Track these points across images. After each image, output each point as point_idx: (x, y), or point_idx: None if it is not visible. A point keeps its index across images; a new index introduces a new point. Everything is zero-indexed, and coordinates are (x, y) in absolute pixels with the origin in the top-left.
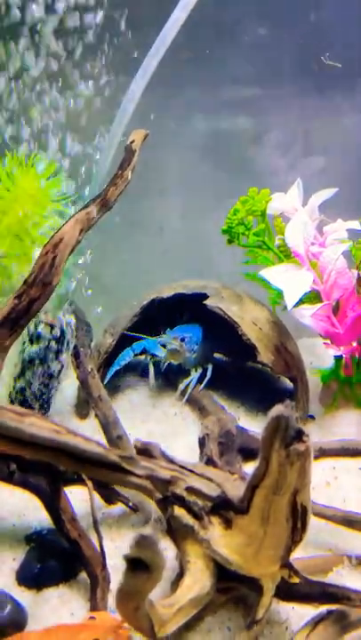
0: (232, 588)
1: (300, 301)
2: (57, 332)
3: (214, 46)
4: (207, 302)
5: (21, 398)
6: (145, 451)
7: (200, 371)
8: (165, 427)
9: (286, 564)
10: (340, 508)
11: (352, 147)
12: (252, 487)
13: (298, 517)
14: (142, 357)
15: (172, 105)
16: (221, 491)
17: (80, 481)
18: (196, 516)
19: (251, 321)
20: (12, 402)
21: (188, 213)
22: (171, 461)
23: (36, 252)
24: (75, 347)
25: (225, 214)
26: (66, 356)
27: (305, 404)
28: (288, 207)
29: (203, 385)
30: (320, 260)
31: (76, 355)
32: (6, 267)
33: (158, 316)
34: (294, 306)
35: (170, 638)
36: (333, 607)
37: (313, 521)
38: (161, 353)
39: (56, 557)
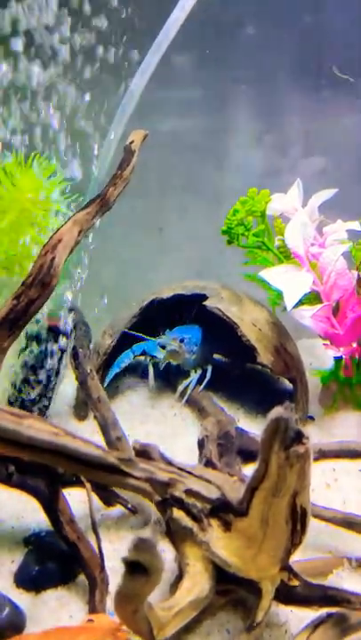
0: (231, 591)
1: (300, 302)
2: (56, 332)
3: (214, 46)
4: (207, 303)
5: (20, 400)
6: (144, 452)
7: (199, 372)
8: (164, 428)
9: (286, 567)
10: (340, 510)
11: (352, 147)
12: (252, 489)
13: (297, 519)
14: (142, 358)
15: (172, 105)
16: (221, 493)
17: (79, 483)
18: (195, 519)
19: (250, 322)
20: (10, 404)
21: (188, 214)
22: (170, 463)
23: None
24: (74, 348)
25: (224, 215)
26: (65, 358)
27: (304, 405)
28: (288, 208)
29: (202, 386)
30: (320, 261)
31: (74, 356)
32: (6, 267)
33: (157, 316)
34: (294, 307)
35: None
36: (333, 610)
37: (313, 523)
38: (160, 354)
39: (54, 559)
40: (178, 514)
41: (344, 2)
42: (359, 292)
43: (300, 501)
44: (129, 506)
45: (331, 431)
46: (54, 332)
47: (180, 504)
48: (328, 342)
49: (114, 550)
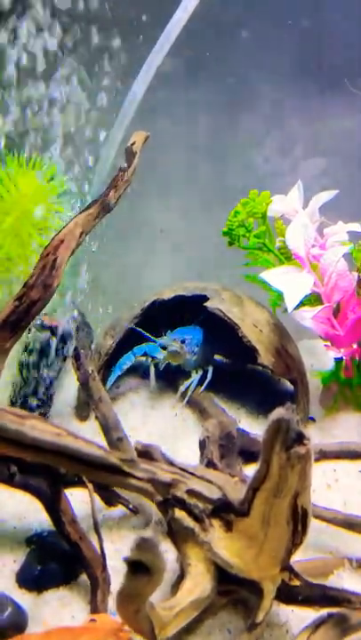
0: (232, 591)
1: (301, 303)
2: (57, 333)
3: (214, 46)
4: (208, 304)
5: (22, 400)
6: (145, 453)
7: (200, 373)
8: (166, 429)
9: (287, 567)
10: (341, 511)
11: (353, 148)
12: (253, 490)
13: (298, 520)
14: (143, 359)
15: (173, 106)
16: (222, 493)
17: (80, 483)
18: (197, 519)
19: (251, 323)
20: (12, 404)
21: (189, 215)
22: (171, 464)
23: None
24: (75, 348)
25: (225, 216)
26: (66, 358)
27: (305, 406)
28: (289, 209)
29: (203, 387)
30: (321, 263)
31: (76, 356)
32: (8, 268)
33: (159, 317)
34: (295, 308)
35: None
36: (334, 610)
37: (313, 523)
38: (161, 355)
39: (56, 559)
40: (179, 514)
41: (344, 2)
42: (360, 294)
43: (302, 502)
44: (130, 506)
45: (331, 432)
46: (56, 332)
47: (182, 504)
48: (329, 343)
49: (115, 550)
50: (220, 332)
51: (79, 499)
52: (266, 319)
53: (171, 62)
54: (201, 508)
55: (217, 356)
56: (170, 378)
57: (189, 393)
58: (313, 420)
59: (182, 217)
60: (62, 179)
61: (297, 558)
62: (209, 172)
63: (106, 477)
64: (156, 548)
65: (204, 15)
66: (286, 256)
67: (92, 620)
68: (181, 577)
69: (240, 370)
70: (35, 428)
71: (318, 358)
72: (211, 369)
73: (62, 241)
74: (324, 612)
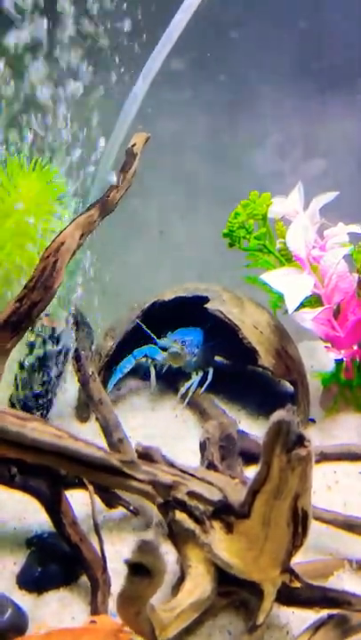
0: (233, 593)
1: (301, 305)
2: (58, 335)
3: (214, 47)
4: (208, 305)
5: (22, 402)
6: (146, 455)
7: (201, 374)
8: (166, 430)
9: (287, 569)
10: (341, 512)
11: (353, 150)
12: (254, 492)
13: (299, 522)
14: (143, 360)
15: (173, 107)
16: (222, 495)
17: (81, 484)
18: (198, 521)
19: (252, 324)
20: (13, 405)
21: (189, 217)
22: (172, 465)
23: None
24: (75, 350)
25: (226, 218)
26: (66, 360)
27: (306, 407)
28: (289, 211)
29: (203, 388)
30: (321, 264)
31: (76, 358)
32: (8, 270)
33: (159, 319)
34: (295, 309)
35: None
36: (334, 612)
37: (314, 525)
38: (162, 356)
39: (57, 561)
40: (180, 516)
41: (344, 2)
42: (360, 295)
43: (302, 504)
44: (131, 507)
45: (332, 433)
46: (56, 333)
47: (183, 506)
48: (329, 345)
49: (116, 552)
50: (221, 334)
51: (80, 500)
52: (266, 320)
53: (171, 62)
54: (201, 510)
55: (217, 358)
56: (170, 379)
57: (190, 394)
58: (313, 421)
59: (182, 218)
60: (62, 181)
61: (297, 560)
62: (209, 173)
63: (106, 479)
64: (156, 551)
65: (205, 15)
66: (287, 258)
67: (93, 622)
68: (182, 578)
69: (240, 371)
70: (35, 429)
71: (319, 360)
72: (211, 370)
73: (63, 243)
74: (325, 613)
